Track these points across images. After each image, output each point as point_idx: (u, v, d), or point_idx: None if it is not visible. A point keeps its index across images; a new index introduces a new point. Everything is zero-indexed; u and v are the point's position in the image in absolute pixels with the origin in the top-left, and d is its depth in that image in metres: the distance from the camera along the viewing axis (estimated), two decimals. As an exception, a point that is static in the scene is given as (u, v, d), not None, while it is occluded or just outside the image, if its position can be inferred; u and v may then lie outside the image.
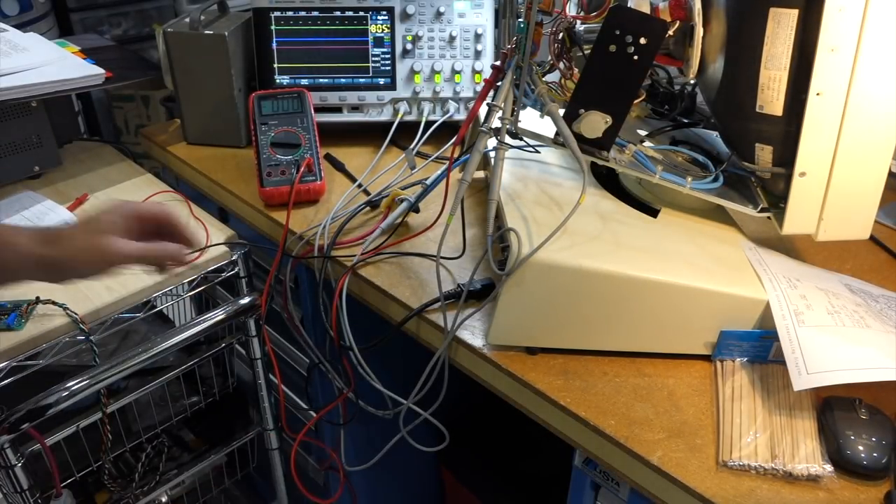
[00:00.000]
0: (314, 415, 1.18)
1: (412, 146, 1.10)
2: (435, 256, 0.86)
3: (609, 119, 0.75)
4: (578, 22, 0.81)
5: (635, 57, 0.72)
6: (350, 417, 1.05)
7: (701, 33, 0.75)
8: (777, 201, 0.78)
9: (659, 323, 0.74)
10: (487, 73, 1.09)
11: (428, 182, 0.96)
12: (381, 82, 1.18)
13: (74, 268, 0.66)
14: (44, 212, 1.06)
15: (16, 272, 0.66)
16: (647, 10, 0.75)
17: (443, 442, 0.79)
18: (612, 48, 0.72)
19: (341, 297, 0.86)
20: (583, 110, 0.75)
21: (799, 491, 0.62)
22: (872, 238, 0.85)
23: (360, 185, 1.07)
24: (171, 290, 0.98)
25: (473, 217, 0.97)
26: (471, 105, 1.18)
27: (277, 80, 1.17)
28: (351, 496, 1.19)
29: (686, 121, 0.94)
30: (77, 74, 1.19)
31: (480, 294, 0.81)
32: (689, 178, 0.78)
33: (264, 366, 1.07)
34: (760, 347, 0.73)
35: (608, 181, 0.87)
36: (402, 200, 0.95)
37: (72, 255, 0.66)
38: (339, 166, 1.14)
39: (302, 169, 1.01)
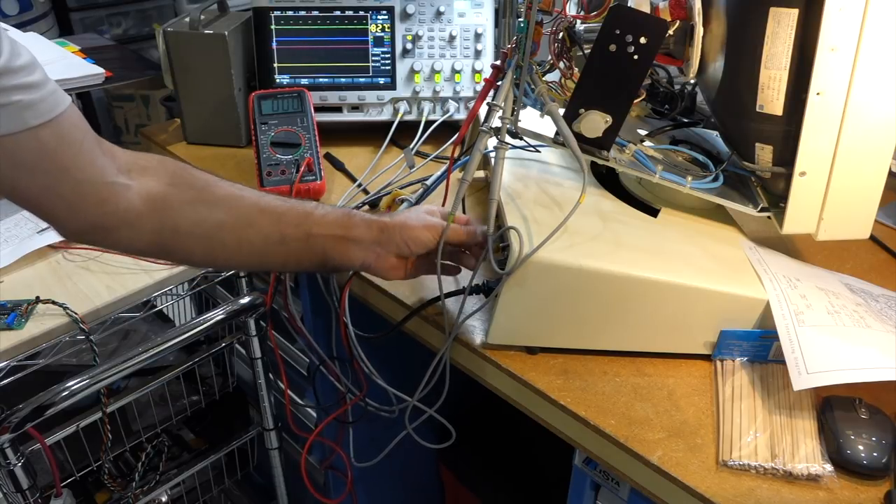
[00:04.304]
0: (315, 414, 1.18)
1: (411, 146, 1.10)
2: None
3: (609, 119, 0.75)
4: (578, 21, 0.81)
5: (635, 56, 0.72)
6: (357, 417, 1.05)
7: (701, 33, 0.75)
8: (777, 201, 0.78)
9: (659, 323, 0.73)
10: (487, 72, 1.09)
11: (428, 182, 0.96)
12: (381, 82, 1.18)
13: (405, 229, 0.74)
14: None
15: (359, 241, 0.74)
16: (647, 9, 0.75)
17: (447, 440, 0.79)
18: (613, 48, 0.72)
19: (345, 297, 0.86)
20: (583, 110, 0.75)
21: (799, 490, 0.62)
22: (872, 238, 0.85)
23: (360, 185, 1.07)
24: (170, 289, 0.98)
25: (473, 217, 0.96)
26: (471, 105, 1.18)
27: (277, 80, 1.17)
28: (351, 495, 1.19)
29: (686, 120, 0.94)
30: (77, 74, 1.20)
31: (482, 292, 0.80)
32: (689, 178, 0.78)
33: (264, 365, 1.07)
34: (760, 347, 0.73)
35: (608, 181, 0.87)
36: (402, 200, 0.95)
37: (404, 218, 0.76)
38: (339, 166, 1.14)
39: (302, 168, 1.01)
